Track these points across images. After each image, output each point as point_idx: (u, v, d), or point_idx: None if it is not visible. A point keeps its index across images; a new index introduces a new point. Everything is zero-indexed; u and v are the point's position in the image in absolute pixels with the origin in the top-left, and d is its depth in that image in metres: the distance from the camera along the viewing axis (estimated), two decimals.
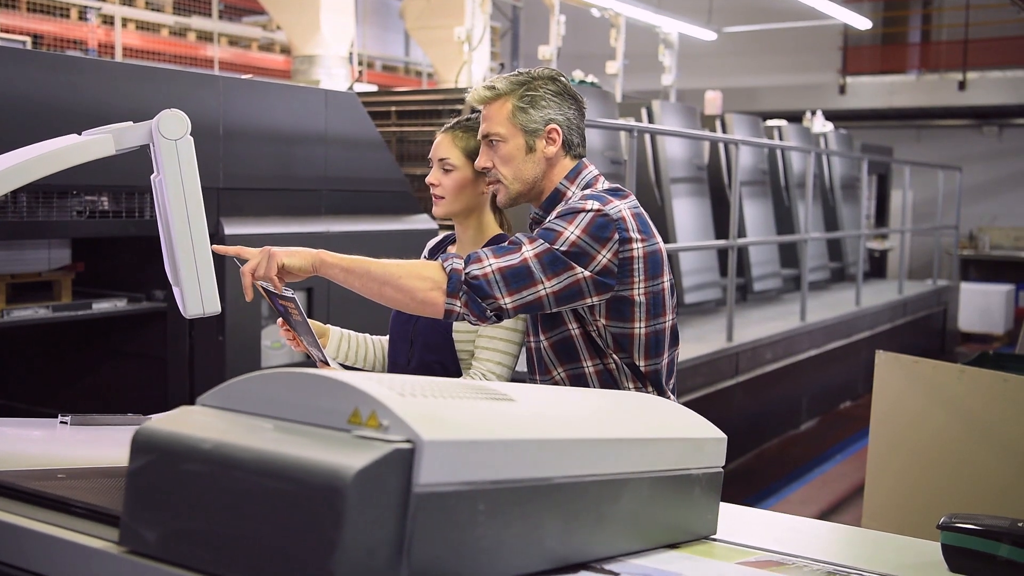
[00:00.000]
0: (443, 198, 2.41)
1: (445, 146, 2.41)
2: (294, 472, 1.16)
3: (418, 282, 2.06)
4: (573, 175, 2.24)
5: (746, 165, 8.24)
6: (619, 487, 1.45)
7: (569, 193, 2.23)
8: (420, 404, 1.26)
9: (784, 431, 7.22)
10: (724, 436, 1.70)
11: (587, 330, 2.16)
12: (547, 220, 2.14)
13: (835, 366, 7.74)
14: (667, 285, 2.18)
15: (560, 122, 2.22)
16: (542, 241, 2.06)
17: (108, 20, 9.18)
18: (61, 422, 2.42)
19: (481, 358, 2.38)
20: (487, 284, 2.04)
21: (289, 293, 2.22)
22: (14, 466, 1.86)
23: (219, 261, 2.20)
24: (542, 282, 2.05)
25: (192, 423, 1.30)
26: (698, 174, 7.63)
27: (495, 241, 2.43)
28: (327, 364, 2.32)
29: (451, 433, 1.22)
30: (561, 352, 2.20)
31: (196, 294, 2.15)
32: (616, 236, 2.08)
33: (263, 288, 2.27)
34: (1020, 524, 1.51)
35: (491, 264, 2.05)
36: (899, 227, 11.63)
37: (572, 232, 2.06)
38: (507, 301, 2.05)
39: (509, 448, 1.28)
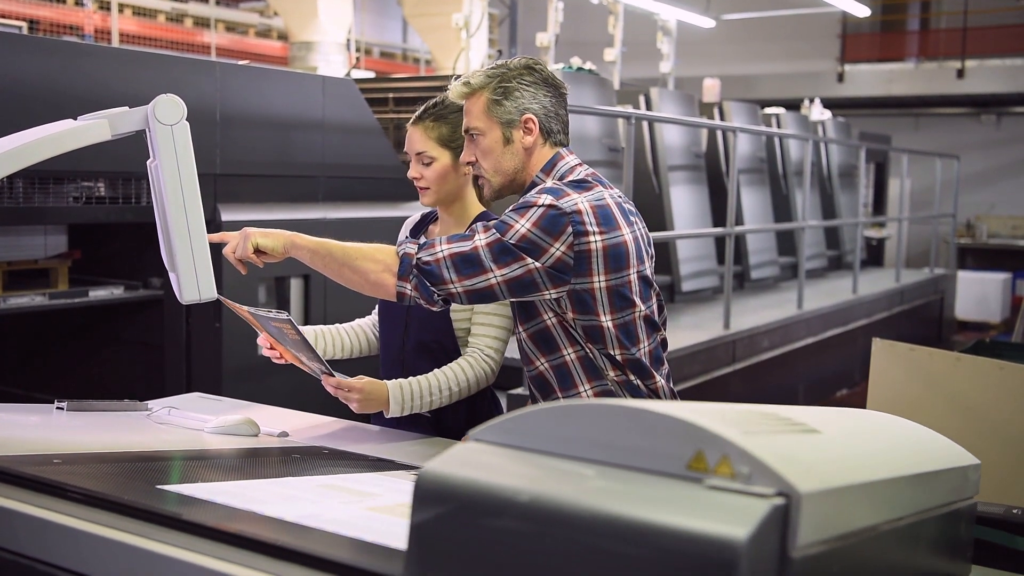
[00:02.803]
0: (428, 188, 2.42)
1: (419, 139, 2.41)
2: (657, 537, 0.95)
3: (371, 264, 2.10)
4: (549, 167, 2.22)
5: (744, 153, 8.23)
6: (918, 528, 1.26)
7: (544, 186, 2.21)
8: (771, 444, 1.05)
9: None
10: (979, 461, 1.53)
11: (562, 319, 2.16)
12: (504, 211, 2.13)
13: (832, 354, 7.75)
14: (635, 276, 2.15)
15: (536, 111, 2.20)
16: (494, 231, 2.07)
17: (104, 6, 9.16)
18: (57, 408, 2.42)
19: (478, 334, 2.40)
20: (438, 269, 2.07)
21: (284, 316, 2.21)
22: (10, 451, 1.86)
23: (215, 247, 2.20)
24: (491, 270, 2.05)
25: (487, 466, 1.09)
26: (696, 162, 7.62)
27: (479, 220, 2.44)
28: (332, 375, 2.29)
29: (822, 482, 1.02)
30: (540, 343, 2.20)
31: (192, 280, 2.15)
32: (570, 229, 2.06)
33: (252, 313, 2.26)
34: (1015, 511, 1.51)
35: (443, 250, 2.07)
36: (897, 215, 11.62)
37: (522, 225, 2.05)
38: (458, 286, 2.07)
39: (860, 494, 1.10)
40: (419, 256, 2.08)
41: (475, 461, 1.10)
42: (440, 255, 2.07)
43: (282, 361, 2.43)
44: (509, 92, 2.18)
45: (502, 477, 1.06)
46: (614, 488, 1.01)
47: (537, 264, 2.05)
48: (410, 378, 2.32)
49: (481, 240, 2.07)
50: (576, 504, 0.99)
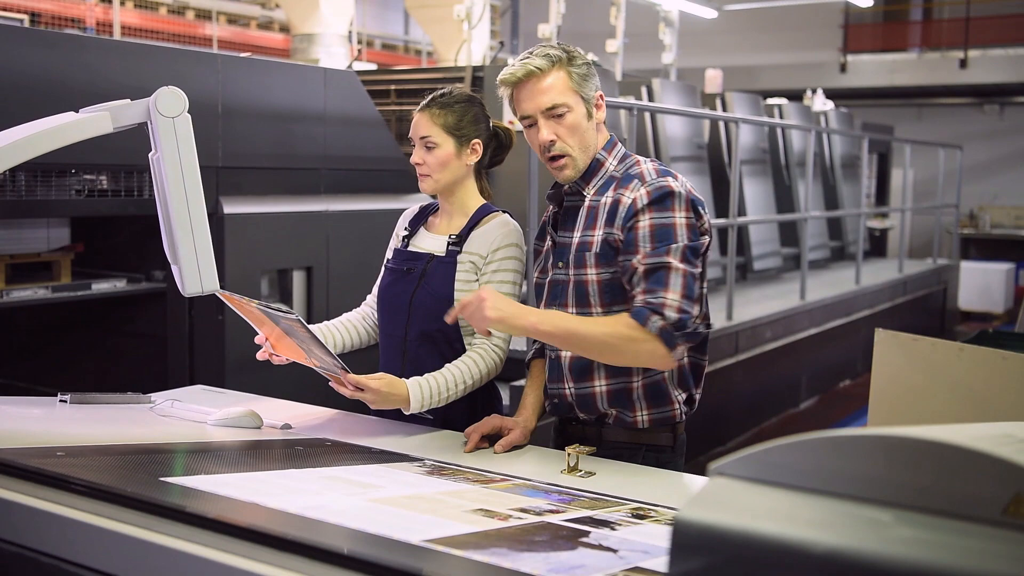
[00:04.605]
0: (429, 175, 2.43)
1: (424, 124, 2.41)
2: None
3: (630, 346, 2.05)
4: (610, 146, 2.26)
5: (746, 144, 8.22)
6: None
7: (607, 164, 2.24)
8: None
9: (783, 409, 7.22)
10: None
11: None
12: (638, 214, 2.10)
13: (834, 345, 7.75)
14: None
15: (601, 90, 2.24)
16: (669, 242, 2.07)
17: None
18: (61, 400, 2.42)
19: None
20: (687, 317, 2.05)
21: (293, 315, 2.17)
22: (14, 444, 1.87)
23: (218, 240, 2.20)
24: (698, 276, 2.10)
25: (754, 509, 0.94)
26: (698, 152, 7.62)
27: (481, 212, 2.44)
28: (347, 371, 2.24)
29: None
30: (607, 291, 2.18)
31: (195, 273, 2.15)
32: (697, 208, 2.15)
33: (262, 309, 2.23)
34: None
35: (673, 300, 2.05)
36: (899, 206, 11.61)
37: (681, 217, 2.10)
38: (696, 311, 2.08)
39: None
40: (668, 319, 2.04)
41: (739, 504, 0.95)
42: (675, 304, 2.04)
43: (281, 361, 2.41)
44: (586, 69, 2.21)
45: (780, 524, 0.90)
46: (926, 538, 0.85)
47: (705, 239, 2.14)
48: (426, 376, 2.31)
49: (677, 263, 2.06)
50: (888, 557, 0.83)
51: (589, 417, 2.26)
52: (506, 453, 2.18)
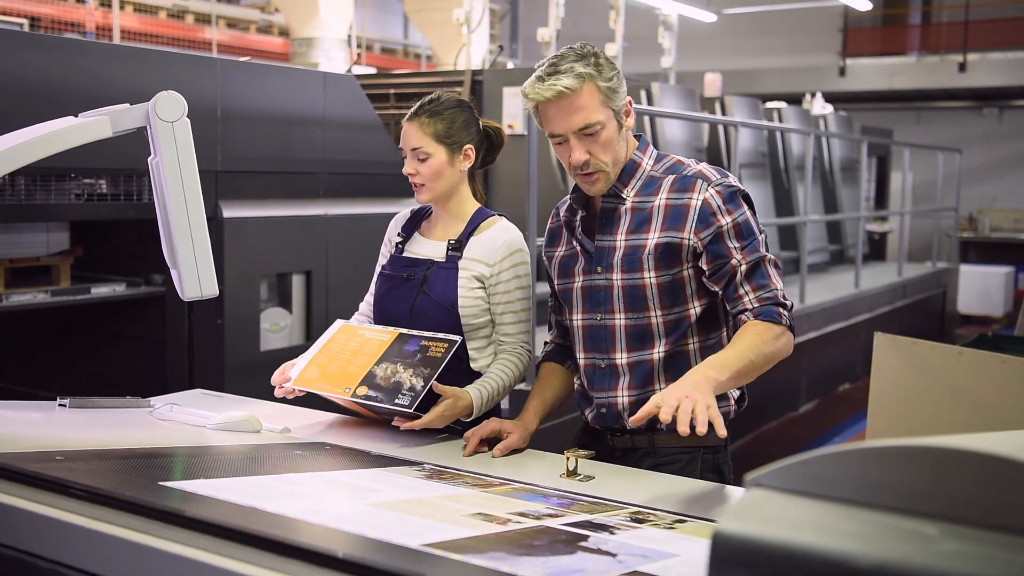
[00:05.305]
0: (424, 185, 2.40)
1: (415, 135, 2.38)
2: None
3: (776, 344, 2.13)
4: (643, 146, 2.22)
5: (745, 147, 8.22)
6: None
7: (643, 164, 2.20)
8: None
9: (783, 413, 7.22)
10: None
11: (698, 271, 2.16)
12: (716, 215, 2.10)
13: (834, 348, 7.74)
14: None
15: (627, 93, 2.18)
16: (754, 236, 2.14)
17: (106, 2, 9.16)
18: (60, 405, 2.42)
19: (511, 332, 2.41)
20: (790, 301, 2.18)
21: (455, 338, 2.23)
22: (13, 448, 1.87)
23: (217, 244, 2.20)
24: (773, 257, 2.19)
25: (796, 522, 0.91)
26: (697, 156, 7.60)
27: (478, 216, 2.43)
28: (416, 415, 2.24)
29: None
30: (667, 294, 2.16)
31: (194, 277, 2.15)
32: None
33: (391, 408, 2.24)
34: None
35: (781, 289, 2.16)
36: (899, 209, 11.60)
37: (750, 211, 2.15)
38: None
39: None
40: (786, 305, 2.15)
41: (779, 516, 0.92)
42: (783, 291, 2.16)
43: (294, 395, 2.42)
44: (615, 78, 2.12)
45: (823, 537, 0.88)
46: (975, 552, 0.83)
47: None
48: (479, 383, 2.32)
49: (766, 251, 2.15)
50: (938, 572, 0.81)
51: (640, 424, 2.19)
52: (505, 457, 2.18)
